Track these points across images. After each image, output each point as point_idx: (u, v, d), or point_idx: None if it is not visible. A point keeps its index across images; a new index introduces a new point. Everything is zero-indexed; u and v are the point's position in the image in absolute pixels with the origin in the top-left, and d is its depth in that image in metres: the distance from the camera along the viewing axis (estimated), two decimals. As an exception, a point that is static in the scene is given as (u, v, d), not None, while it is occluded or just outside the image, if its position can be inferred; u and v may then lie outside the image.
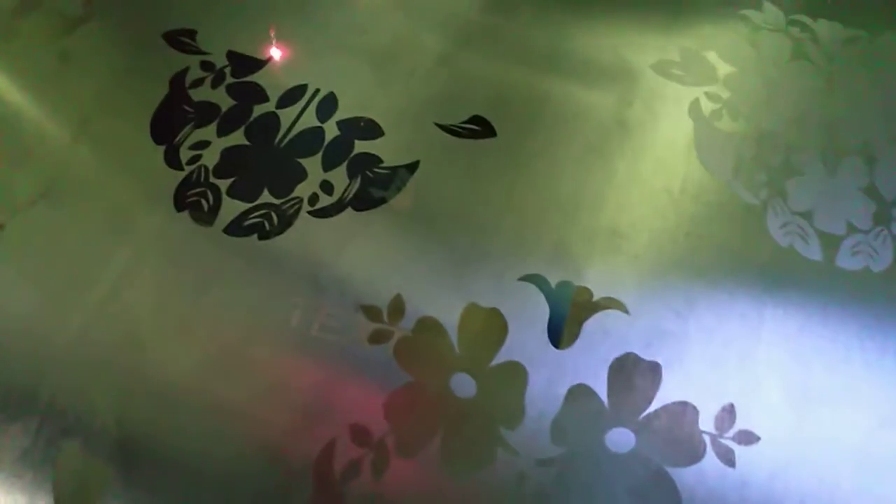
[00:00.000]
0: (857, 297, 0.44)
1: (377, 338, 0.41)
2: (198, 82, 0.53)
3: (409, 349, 0.41)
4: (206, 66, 0.54)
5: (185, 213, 0.46)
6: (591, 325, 0.42)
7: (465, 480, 0.38)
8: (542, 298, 0.43)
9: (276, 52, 0.54)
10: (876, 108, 0.52)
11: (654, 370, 0.40)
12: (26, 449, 0.39)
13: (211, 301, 0.43)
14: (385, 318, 0.42)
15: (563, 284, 0.43)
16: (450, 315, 0.42)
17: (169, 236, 0.45)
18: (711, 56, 0.54)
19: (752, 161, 0.49)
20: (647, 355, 0.41)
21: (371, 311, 0.42)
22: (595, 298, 0.43)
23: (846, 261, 0.45)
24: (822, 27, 0.56)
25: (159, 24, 0.56)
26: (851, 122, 0.52)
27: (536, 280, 0.43)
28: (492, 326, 0.42)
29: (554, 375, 0.40)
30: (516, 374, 0.40)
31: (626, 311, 0.42)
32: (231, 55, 0.54)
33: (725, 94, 0.52)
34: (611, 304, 0.42)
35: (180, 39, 0.55)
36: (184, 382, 0.41)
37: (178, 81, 0.53)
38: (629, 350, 0.41)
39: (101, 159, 0.49)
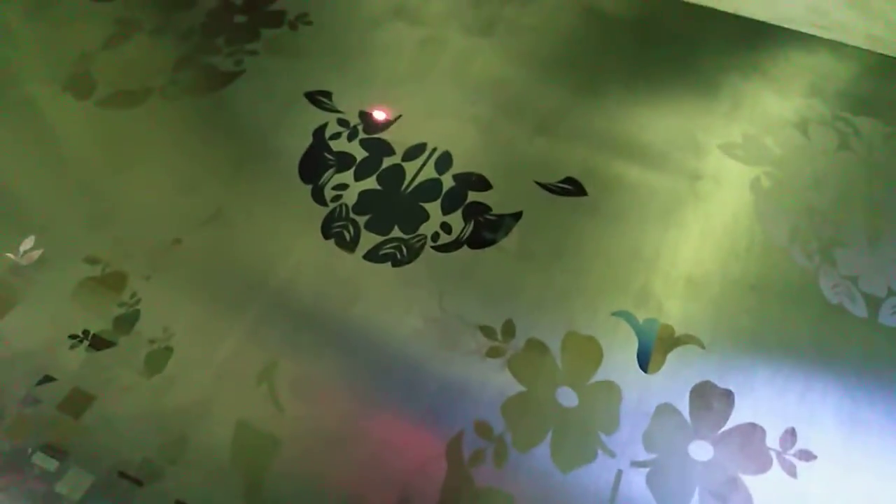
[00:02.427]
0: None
1: (493, 353, 0.49)
2: (336, 136, 0.62)
3: (521, 364, 0.49)
4: (342, 122, 0.64)
5: (332, 241, 0.55)
6: (674, 356, 0.50)
7: (571, 473, 0.45)
8: (631, 331, 0.51)
9: (398, 115, 0.64)
10: (911, 194, 0.61)
11: (728, 396, 0.48)
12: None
13: (357, 313, 0.51)
14: (499, 336, 0.50)
15: (649, 321, 0.51)
16: (553, 339, 0.50)
17: (320, 258, 0.54)
18: (769, 141, 0.64)
19: (805, 231, 0.58)
20: (721, 383, 0.48)
21: (488, 331, 0.51)
22: (676, 334, 0.51)
23: (887, 318, 0.53)
24: (864, 123, 0.66)
25: (300, 84, 0.67)
26: (889, 205, 0.60)
27: (626, 316, 0.52)
28: (590, 351, 0.50)
29: (644, 395, 0.48)
30: (612, 390, 0.48)
31: (703, 346, 0.50)
32: (362, 115, 0.64)
33: (780, 175, 0.61)
34: (690, 339, 0.50)
35: (319, 99, 0.66)
36: (329, 376, 0.49)
37: (319, 134, 0.63)
38: (707, 378, 0.49)
39: (259, 191, 0.59)
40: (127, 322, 0.51)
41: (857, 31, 0.76)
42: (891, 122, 0.66)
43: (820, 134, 0.65)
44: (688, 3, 0.77)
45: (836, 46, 0.73)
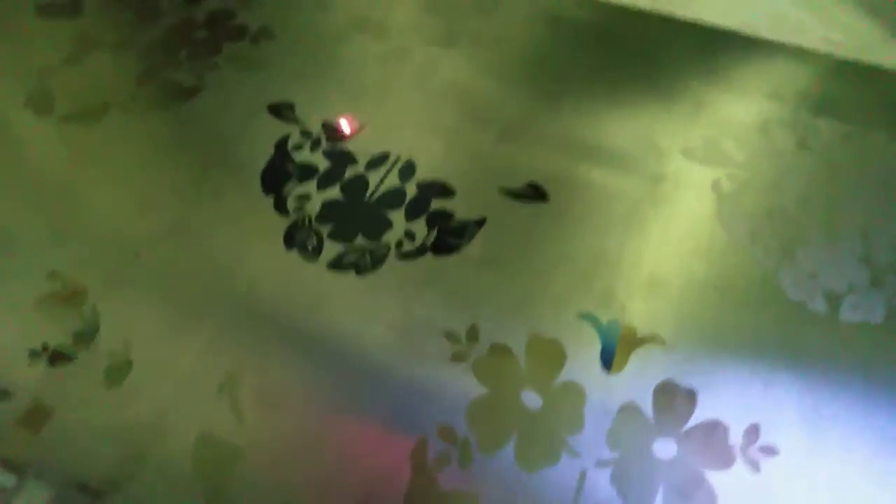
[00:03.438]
0: (857, 342, 0.52)
1: (458, 357, 0.49)
2: (298, 147, 0.62)
3: (485, 367, 0.49)
4: (305, 134, 0.64)
5: (294, 251, 0.55)
6: (637, 355, 0.50)
7: (536, 474, 0.45)
8: (594, 333, 0.51)
9: (361, 125, 0.64)
10: (870, 193, 0.62)
11: (691, 394, 0.48)
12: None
13: (320, 321, 0.51)
14: (463, 341, 0.50)
15: (612, 322, 0.51)
16: (517, 342, 0.50)
17: (282, 268, 0.54)
18: (729, 144, 0.64)
19: (766, 231, 0.58)
20: (684, 382, 0.49)
21: (452, 336, 0.50)
22: (640, 334, 0.51)
23: (848, 314, 0.53)
24: (822, 123, 0.67)
25: (263, 97, 0.67)
26: (848, 203, 0.61)
27: (589, 317, 0.52)
28: (553, 353, 0.50)
29: (607, 395, 0.48)
30: (575, 392, 0.48)
31: (665, 344, 0.50)
32: (325, 126, 0.64)
33: (741, 176, 0.62)
34: (653, 339, 0.51)
35: (282, 111, 0.66)
36: (295, 384, 0.48)
37: (281, 146, 0.63)
38: (669, 377, 0.49)
39: (220, 203, 0.58)
40: (86, 336, 0.50)
41: (815, 35, 0.77)
42: (848, 122, 0.67)
43: (780, 135, 0.66)
44: (649, 13, 0.78)
45: (795, 51, 0.74)
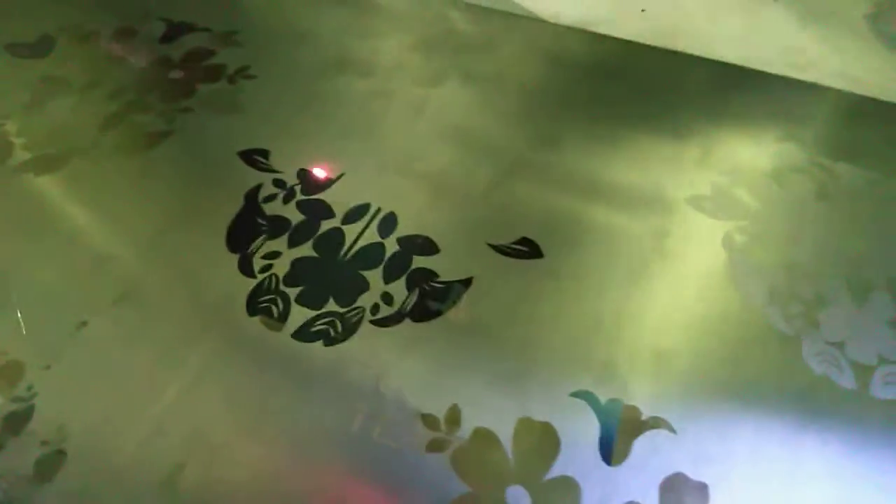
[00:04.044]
0: (892, 422, 0.45)
1: (435, 446, 0.43)
2: (270, 198, 0.57)
3: (466, 459, 0.43)
4: (279, 183, 0.58)
5: (257, 318, 0.49)
6: (641, 443, 0.44)
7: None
8: (592, 415, 0.45)
9: (341, 173, 0.59)
10: (898, 245, 0.56)
11: (702, 490, 0.42)
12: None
13: (279, 402, 0.45)
14: (442, 426, 0.44)
15: (613, 402, 0.45)
16: (504, 427, 0.44)
17: (241, 340, 0.48)
18: (741, 192, 0.59)
19: (784, 291, 0.52)
20: (694, 475, 0.42)
21: (429, 420, 0.45)
22: (643, 417, 0.45)
23: (879, 390, 0.47)
24: (842, 168, 0.61)
25: (236, 143, 0.62)
26: (875, 258, 0.55)
27: (587, 396, 0.46)
28: (545, 440, 0.44)
29: (606, 492, 0.42)
30: (570, 489, 0.42)
31: (674, 431, 0.44)
32: (301, 174, 0.59)
33: (754, 229, 0.56)
34: (658, 423, 0.44)
35: (255, 158, 0.60)
36: (250, 483, 0.42)
37: (252, 196, 0.57)
38: (678, 469, 0.43)
39: (179, 265, 0.53)
40: (19, 420, 0.45)
41: (832, 70, 0.72)
42: (870, 167, 0.61)
43: (796, 182, 0.60)
44: (654, 48, 0.73)
45: (811, 88, 0.69)
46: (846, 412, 0.46)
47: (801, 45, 0.77)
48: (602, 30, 0.74)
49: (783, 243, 0.55)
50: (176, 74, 0.69)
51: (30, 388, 0.46)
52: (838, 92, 0.69)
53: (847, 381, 0.48)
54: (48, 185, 0.59)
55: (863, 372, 0.48)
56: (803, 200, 0.59)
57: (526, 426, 0.44)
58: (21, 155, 0.61)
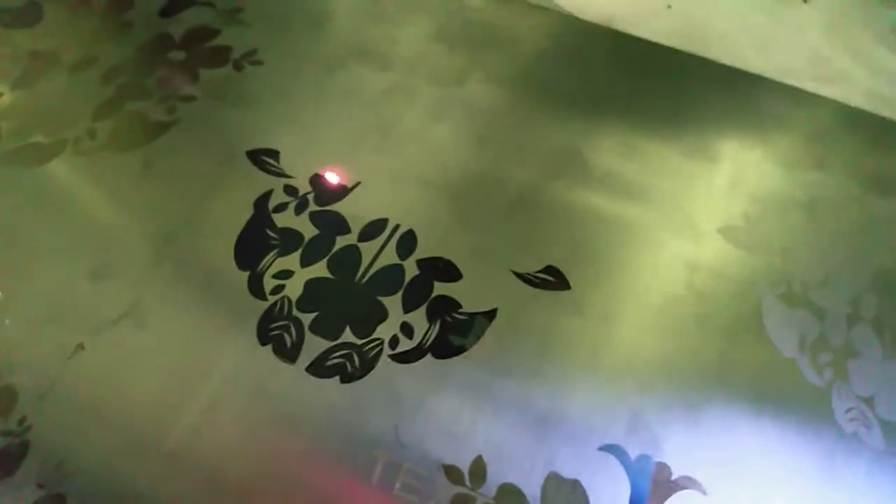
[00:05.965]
0: None
1: (460, 503, 0.41)
2: (281, 207, 0.53)
3: (492, 518, 0.41)
4: (290, 190, 0.54)
5: (269, 347, 0.46)
6: (672, 505, 0.42)
7: None
8: (622, 472, 0.43)
9: (357, 182, 0.55)
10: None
11: (734, 561, 0.41)
12: None
13: (297, 443, 0.42)
14: (467, 481, 0.42)
15: (643, 458, 0.44)
16: (532, 485, 0.42)
17: (252, 371, 0.45)
18: (774, 226, 0.56)
19: (814, 339, 0.51)
20: (726, 544, 0.41)
21: (452, 473, 0.42)
22: (674, 477, 0.43)
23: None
24: (875, 200, 0.59)
25: (243, 140, 0.57)
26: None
27: (616, 451, 0.44)
28: (574, 501, 0.42)
29: (636, 559, 0.40)
30: (599, 554, 0.40)
31: (705, 493, 0.43)
32: (314, 181, 0.55)
33: (787, 268, 0.54)
34: (689, 483, 0.43)
35: (264, 159, 0.56)
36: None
37: (261, 204, 0.53)
38: (710, 536, 0.41)
39: (185, 281, 0.49)
40: (13, 458, 0.41)
41: (859, 87, 0.70)
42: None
43: (829, 216, 0.58)
44: (677, 50, 0.69)
45: (841, 109, 0.66)
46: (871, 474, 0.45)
47: (826, 55, 0.74)
48: (624, 27, 0.70)
49: (815, 285, 0.53)
50: (177, 56, 0.63)
51: (22, 421, 0.42)
52: (867, 114, 0.66)
53: (875, 439, 0.46)
54: (35, 181, 0.54)
55: (891, 431, 0.47)
56: (835, 236, 0.57)
57: (554, 484, 0.42)
58: (8, 143, 0.56)
